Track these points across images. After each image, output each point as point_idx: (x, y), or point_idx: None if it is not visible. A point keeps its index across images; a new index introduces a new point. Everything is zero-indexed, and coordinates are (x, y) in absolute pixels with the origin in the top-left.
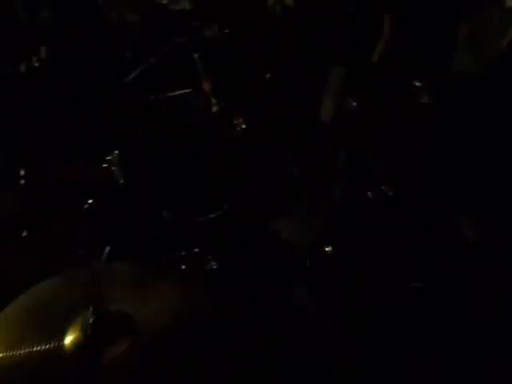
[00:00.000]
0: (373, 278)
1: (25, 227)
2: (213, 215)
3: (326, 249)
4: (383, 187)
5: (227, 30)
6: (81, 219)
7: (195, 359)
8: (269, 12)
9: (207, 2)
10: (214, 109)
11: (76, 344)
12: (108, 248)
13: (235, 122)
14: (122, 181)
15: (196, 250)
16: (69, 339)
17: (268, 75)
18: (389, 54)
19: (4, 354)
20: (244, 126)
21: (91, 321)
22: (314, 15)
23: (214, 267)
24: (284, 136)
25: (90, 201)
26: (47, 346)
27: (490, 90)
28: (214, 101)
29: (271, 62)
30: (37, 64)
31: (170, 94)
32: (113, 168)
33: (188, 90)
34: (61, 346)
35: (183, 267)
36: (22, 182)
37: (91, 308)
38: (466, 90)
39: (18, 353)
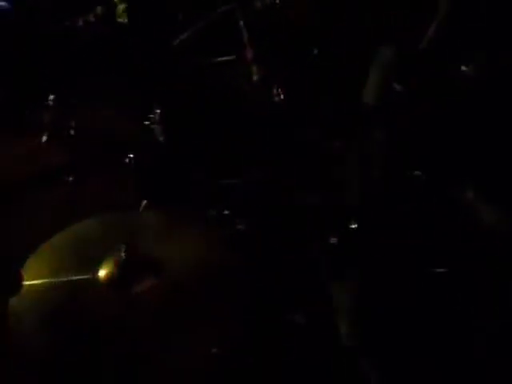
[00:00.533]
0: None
1: (71, 174)
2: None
3: (352, 226)
4: (417, 172)
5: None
6: (121, 171)
7: (211, 305)
8: None
9: None
10: (255, 77)
11: (109, 277)
12: (145, 201)
13: (274, 92)
14: (161, 138)
15: (226, 211)
16: (103, 272)
17: (315, 50)
18: (440, 39)
19: (46, 280)
20: (282, 97)
21: (123, 258)
22: None
23: (241, 229)
24: (322, 114)
25: (131, 155)
26: (84, 277)
27: None
28: (255, 69)
29: (320, 37)
30: (93, 19)
31: (214, 59)
32: (154, 126)
33: (231, 57)
34: (96, 278)
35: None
36: (72, 132)
37: (124, 246)
38: None
39: (59, 280)
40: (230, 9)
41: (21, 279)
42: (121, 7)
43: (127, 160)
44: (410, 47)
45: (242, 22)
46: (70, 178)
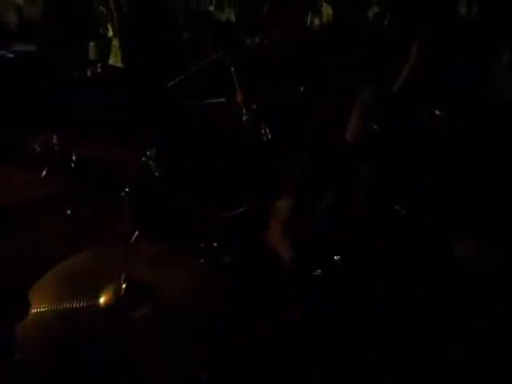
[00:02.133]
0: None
1: (69, 206)
2: (234, 212)
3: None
4: (397, 207)
5: (266, 42)
6: (117, 204)
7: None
8: (307, 26)
9: (252, 13)
10: (245, 118)
11: (108, 304)
12: (137, 232)
13: (262, 131)
14: (157, 173)
15: (214, 243)
16: (103, 299)
17: (302, 88)
18: (413, 81)
19: (49, 308)
20: (270, 136)
21: (123, 286)
22: (349, 34)
23: (227, 262)
24: (309, 148)
25: (127, 189)
26: (84, 304)
27: None
28: (245, 111)
29: (306, 76)
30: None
31: (207, 100)
32: (150, 162)
33: (222, 99)
34: (96, 305)
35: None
36: (72, 165)
37: (124, 275)
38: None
39: (61, 307)
40: (221, 55)
41: (28, 305)
42: (115, 44)
43: (123, 193)
44: (385, 89)
45: (232, 68)
46: (68, 211)
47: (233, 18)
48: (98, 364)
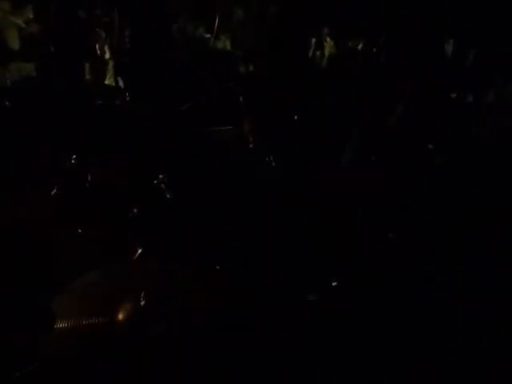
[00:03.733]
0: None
1: (80, 226)
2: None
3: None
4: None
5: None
6: (126, 223)
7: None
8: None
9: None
10: (251, 146)
11: (127, 319)
12: (140, 250)
13: (267, 159)
14: (168, 196)
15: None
16: (122, 315)
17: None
18: (406, 117)
19: (69, 324)
20: (274, 164)
21: (143, 303)
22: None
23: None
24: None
25: (135, 210)
26: (104, 319)
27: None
28: (251, 139)
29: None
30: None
31: (216, 128)
32: (162, 185)
33: (230, 127)
34: (115, 320)
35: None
36: (88, 185)
37: (143, 293)
38: (486, 154)
39: (79, 323)
40: (229, 85)
41: (53, 319)
42: (110, 65)
43: (131, 213)
44: (381, 122)
45: (241, 98)
46: (79, 230)
47: (228, 46)
48: (115, 375)
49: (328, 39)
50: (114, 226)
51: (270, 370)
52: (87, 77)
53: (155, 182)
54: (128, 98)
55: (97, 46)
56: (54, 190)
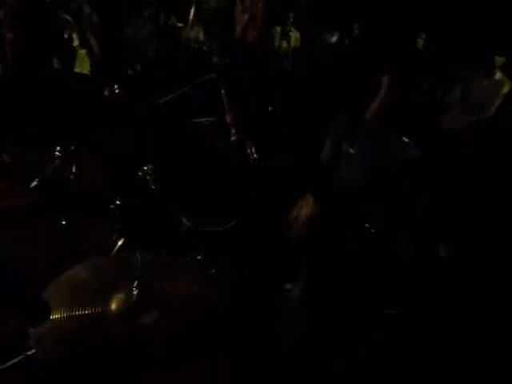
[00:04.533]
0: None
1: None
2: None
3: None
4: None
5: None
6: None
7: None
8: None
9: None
10: (233, 138)
11: (120, 310)
12: (122, 240)
13: (249, 151)
14: (153, 187)
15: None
16: (114, 306)
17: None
18: (383, 111)
19: (62, 315)
20: (256, 156)
21: (136, 292)
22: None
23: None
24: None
25: (118, 202)
26: (96, 310)
27: (477, 151)
28: (233, 131)
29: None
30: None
31: (198, 120)
32: (147, 177)
33: (212, 119)
34: (107, 311)
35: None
36: (72, 177)
37: (136, 282)
38: (454, 148)
39: (73, 314)
40: (212, 78)
41: (48, 310)
42: (82, 53)
43: (114, 206)
44: (358, 118)
45: (222, 90)
46: (63, 221)
47: (201, 37)
48: (108, 366)
49: (293, 29)
50: (94, 217)
51: (263, 364)
52: (56, 65)
53: (139, 173)
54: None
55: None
56: (34, 183)
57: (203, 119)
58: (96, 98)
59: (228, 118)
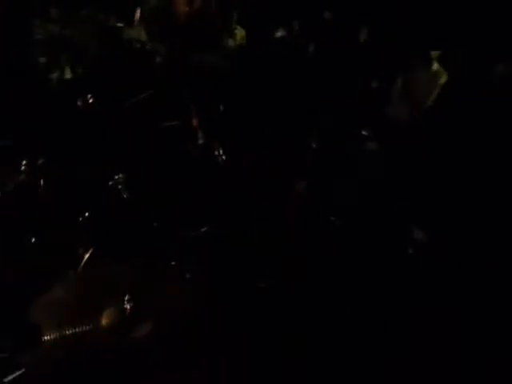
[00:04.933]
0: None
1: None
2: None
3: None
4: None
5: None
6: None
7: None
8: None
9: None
10: (200, 141)
11: (111, 324)
12: (91, 250)
13: (216, 153)
14: (125, 195)
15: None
16: (105, 321)
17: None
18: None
19: (55, 334)
20: (224, 157)
21: (128, 306)
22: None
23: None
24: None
25: (87, 214)
26: (87, 327)
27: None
28: (200, 134)
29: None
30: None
31: (166, 123)
32: (119, 186)
33: (177, 122)
34: (98, 327)
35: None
36: (40, 191)
37: (127, 297)
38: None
39: (65, 332)
40: (177, 81)
41: (40, 334)
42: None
43: (83, 218)
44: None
45: (188, 93)
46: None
47: (143, 37)
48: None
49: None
50: (65, 228)
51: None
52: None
53: (110, 182)
54: None
55: None
56: None
57: (170, 123)
58: (68, 109)
59: (194, 122)
